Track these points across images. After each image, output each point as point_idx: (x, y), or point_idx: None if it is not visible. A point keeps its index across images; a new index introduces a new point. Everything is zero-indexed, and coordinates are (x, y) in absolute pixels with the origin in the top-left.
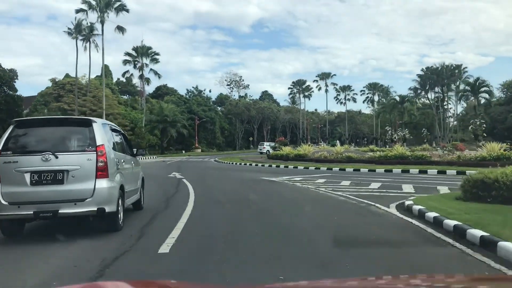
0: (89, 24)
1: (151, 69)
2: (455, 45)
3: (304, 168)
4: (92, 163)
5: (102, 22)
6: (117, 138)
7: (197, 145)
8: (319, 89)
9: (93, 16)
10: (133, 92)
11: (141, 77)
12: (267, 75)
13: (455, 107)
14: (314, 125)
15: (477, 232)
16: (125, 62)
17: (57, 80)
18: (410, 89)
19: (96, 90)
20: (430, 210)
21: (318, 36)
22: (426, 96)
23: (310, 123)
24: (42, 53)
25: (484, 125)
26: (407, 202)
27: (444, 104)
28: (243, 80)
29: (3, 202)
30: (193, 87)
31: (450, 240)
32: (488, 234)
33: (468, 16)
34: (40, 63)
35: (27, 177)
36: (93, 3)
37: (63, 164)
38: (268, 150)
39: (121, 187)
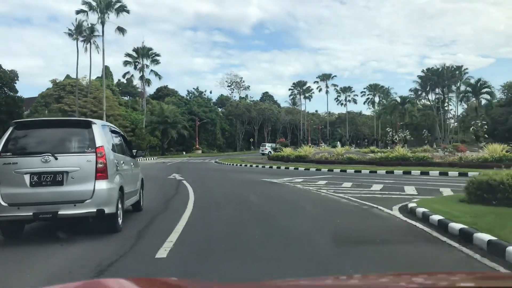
0: (89, 25)
1: (151, 70)
2: (456, 46)
3: (305, 169)
4: (92, 164)
5: (103, 23)
6: (117, 140)
7: (197, 146)
8: (320, 90)
9: (93, 17)
10: (133, 93)
11: (141, 78)
12: (267, 76)
13: (456, 109)
14: (315, 126)
15: (484, 236)
16: (126, 63)
17: (57, 81)
18: (410, 90)
19: (97, 91)
20: (434, 213)
21: (319, 37)
22: (427, 97)
23: (310, 124)
24: (43, 55)
25: (486, 126)
26: (410, 205)
27: (445, 105)
28: (243, 81)
29: (2, 203)
30: (193, 88)
31: (456, 245)
32: (496, 238)
33: (468, 17)
34: (41, 64)
35: (27, 178)
36: (94, 4)
37: (63, 165)
38: (270, 151)
39: (121, 189)
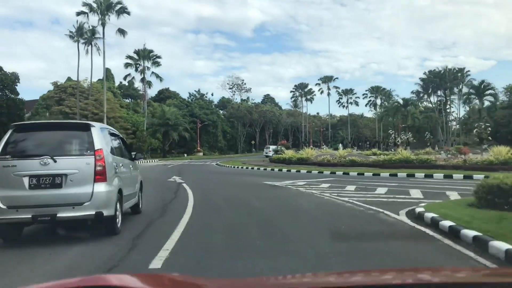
0: (90, 27)
1: (152, 72)
2: (457, 49)
3: (307, 172)
4: (91, 167)
5: (103, 25)
6: (115, 142)
7: (199, 148)
8: (321, 92)
9: (94, 19)
10: (135, 96)
11: (142, 80)
12: (269, 78)
13: (458, 111)
14: (316, 129)
15: (501, 245)
16: (127, 65)
17: (58, 83)
18: (412, 92)
19: (98, 93)
20: (444, 218)
21: (320, 40)
22: (429, 99)
23: (312, 126)
24: (45, 57)
25: (489, 129)
26: (418, 209)
27: (447, 107)
28: (245, 84)
29: (1, 206)
30: (195, 90)
31: (472, 254)
32: None
33: (469, 20)
34: (42, 67)
35: (26, 181)
36: (94, 5)
37: (62, 168)
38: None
39: (119, 191)
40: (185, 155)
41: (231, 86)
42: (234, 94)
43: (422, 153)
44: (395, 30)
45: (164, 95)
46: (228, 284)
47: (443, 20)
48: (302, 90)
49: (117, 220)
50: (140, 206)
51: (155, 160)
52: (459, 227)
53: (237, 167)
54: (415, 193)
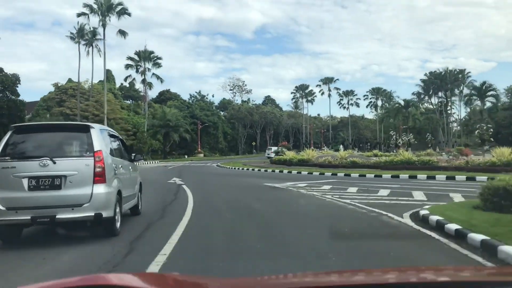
0: (91, 29)
1: (153, 74)
2: (457, 50)
3: (308, 173)
4: (90, 168)
5: (104, 26)
6: (115, 144)
7: (199, 149)
8: (322, 93)
9: (95, 21)
10: (136, 97)
11: (143, 81)
12: (269, 80)
13: (459, 112)
14: (317, 130)
15: (511, 249)
16: (127, 66)
17: (59, 85)
18: (413, 94)
19: (99, 95)
20: (450, 222)
21: (320, 41)
22: (430, 101)
23: (313, 128)
24: (46, 59)
25: (491, 130)
26: (422, 212)
27: (448, 109)
28: (245, 85)
29: (0, 207)
30: (196, 92)
31: (480, 259)
32: None
33: (469, 22)
34: (44, 68)
35: (25, 182)
36: (95, 6)
37: (61, 169)
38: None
39: (119, 192)
40: (186, 156)
41: (231, 88)
42: (234, 96)
43: (423, 154)
44: (395, 32)
45: (165, 97)
46: (229, 283)
47: (443, 22)
48: (302, 92)
49: (117, 221)
50: (140, 207)
51: (156, 162)
52: (465, 230)
53: (238, 169)
54: (418, 195)
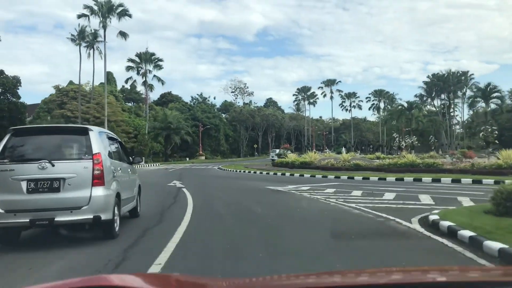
0: (92, 31)
1: (154, 76)
2: (459, 52)
3: (310, 176)
4: (89, 171)
5: (104, 27)
6: (114, 146)
7: (201, 152)
8: (324, 96)
9: (95, 22)
10: (137, 100)
11: (144, 83)
12: (271, 82)
13: (462, 114)
14: (319, 132)
15: None
16: (128, 68)
17: (60, 87)
18: (416, 96)
19: (100, 97)
20: (463, 228)
21: (322, 44)
22: (432, 103)
23: (315, 130)
24: (48, 61)
25: (496, 132)
26: (432, 217)
27: (451, 111)
28: (247, 87)
29: None
30: (197, 94)
31: None
32: None
33: (471, 24)
34: (45, 71)
35: (24, 185)
36: (95, 8)
37: (60, 172)
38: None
39: (117, 195)
40: (187, 159)
41: (233, 90)
42: (236, 98)
43: (427, 157)
44: (397, 34)
45: (167, 99)
46: (231, 284)
47: (445, 24)
48: (304, 94)
49: (115, 224)
50: (139, 210)
51: (157, 164)
52: (481, 237)
53: (240, 171)
54: (425, 199)
